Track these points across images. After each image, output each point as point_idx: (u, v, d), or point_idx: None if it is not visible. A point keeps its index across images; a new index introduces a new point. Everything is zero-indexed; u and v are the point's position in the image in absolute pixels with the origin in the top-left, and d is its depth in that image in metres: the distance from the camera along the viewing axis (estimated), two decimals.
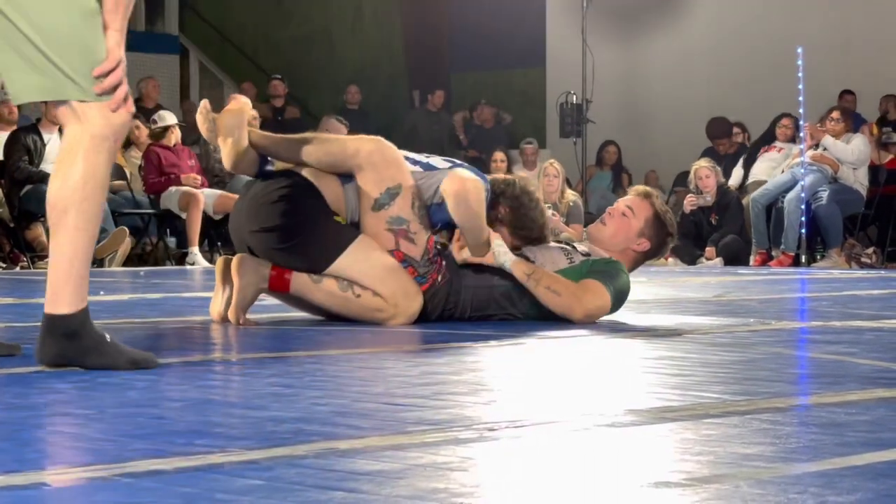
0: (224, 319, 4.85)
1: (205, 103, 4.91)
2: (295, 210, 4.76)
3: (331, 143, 4.88)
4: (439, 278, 4.91)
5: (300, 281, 4.82)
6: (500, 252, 4.87)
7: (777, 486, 1.93)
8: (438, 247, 4.97)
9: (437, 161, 5.03)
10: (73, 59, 3.18)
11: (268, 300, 5.17)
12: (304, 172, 4.85)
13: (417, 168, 4.92)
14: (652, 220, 5.09)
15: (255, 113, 4.87)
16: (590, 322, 4.84)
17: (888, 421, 2.59)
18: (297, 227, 4.76)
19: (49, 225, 3.27)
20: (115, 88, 3.22)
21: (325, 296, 4.84)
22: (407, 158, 4.94)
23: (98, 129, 3.21)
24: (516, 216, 5.08)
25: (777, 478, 2.00)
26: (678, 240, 11.57)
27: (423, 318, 4.91)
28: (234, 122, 4.75)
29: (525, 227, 5.10)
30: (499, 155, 13.71)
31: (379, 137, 4.92)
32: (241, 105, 4.81)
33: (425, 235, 4.84)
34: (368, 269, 4.79)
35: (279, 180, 4.84)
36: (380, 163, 4.77)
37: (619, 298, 4.92)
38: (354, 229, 4.84)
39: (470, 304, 4.99)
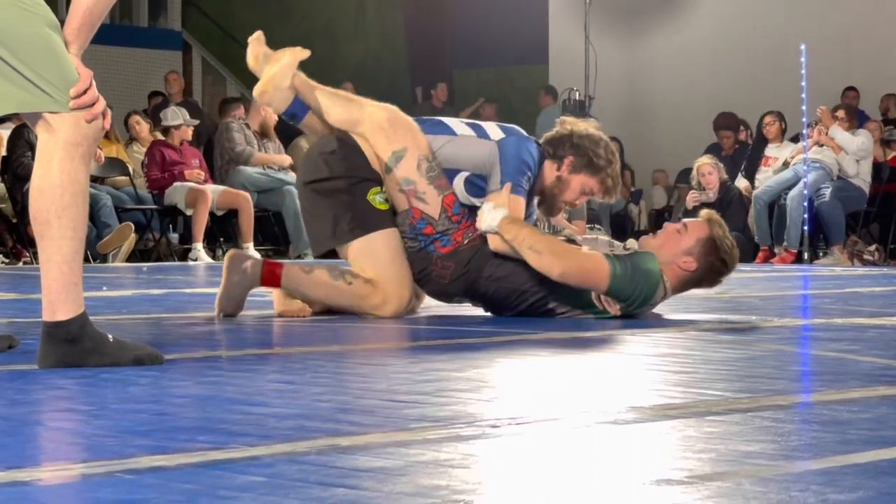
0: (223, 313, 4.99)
1: (259, 33, 5.19)
2: (338, 170, 5.01)
3: (351, 106, 5.06)
4: (464, 241, 4.98)
5: (291, 274, 4.97)
6: (487, 215, 4.85)
7: (779, 484, 1.93)
8: (466, 211, 5.01)
9: (490, 128, 5.14)
10: (47, 71, 3.21)
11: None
12: (354, 134, 5.07)
13: (471, 133, 5.08)
14: (704, 241, 4.95)
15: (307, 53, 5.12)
16: (569, 281, 4.82)
17: (890, 419, 2.58)
18: (334, 189, 4.99)
19: (34, 236, 3.29)
20: (91, 104, 3.25)
21: (316, 286, 4.98)
22: (464, 122, 5.20)
23: (70, 136, 3.23)
24: (584, 163, 5.08)
25: (779, 475, 2.00)
26: None
27: (450, 290, 5.04)
28: (288, 61, 5.04)
29: (597, 168, 5.08)
30: None
31: (393, 107, 5.11)
32: (299, 53, 5.08)
33: (438, 195, 4.97)
34: (377, 257, 4.96)
35: (333, 138, 5.08)
36: (388, 128, 4.99)
37: (629, 282, 4.81)
38: (386, 220, 5.00)
39: (483, 295, 5.01)
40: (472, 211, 5.00)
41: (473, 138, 5.06)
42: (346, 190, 5.00)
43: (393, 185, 4.98)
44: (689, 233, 4.97)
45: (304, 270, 5.00)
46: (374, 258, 4.97)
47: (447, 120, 5.24)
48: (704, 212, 5.13)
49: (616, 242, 5.13)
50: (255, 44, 5.13)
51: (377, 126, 4.98)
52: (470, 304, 5.20)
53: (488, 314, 5.14)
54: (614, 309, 4.89)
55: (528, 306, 4.99)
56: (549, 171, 5.12)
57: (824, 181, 12.07)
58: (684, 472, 2.02)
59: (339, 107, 5.05)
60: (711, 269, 5.00)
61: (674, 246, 4.95)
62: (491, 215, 4.84)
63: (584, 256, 4.83)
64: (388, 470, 2.02)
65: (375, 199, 5.02)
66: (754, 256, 12.27)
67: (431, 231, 4.97)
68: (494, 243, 4.87)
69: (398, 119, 5.04)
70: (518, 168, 4.95)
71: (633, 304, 4.89)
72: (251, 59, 5.14)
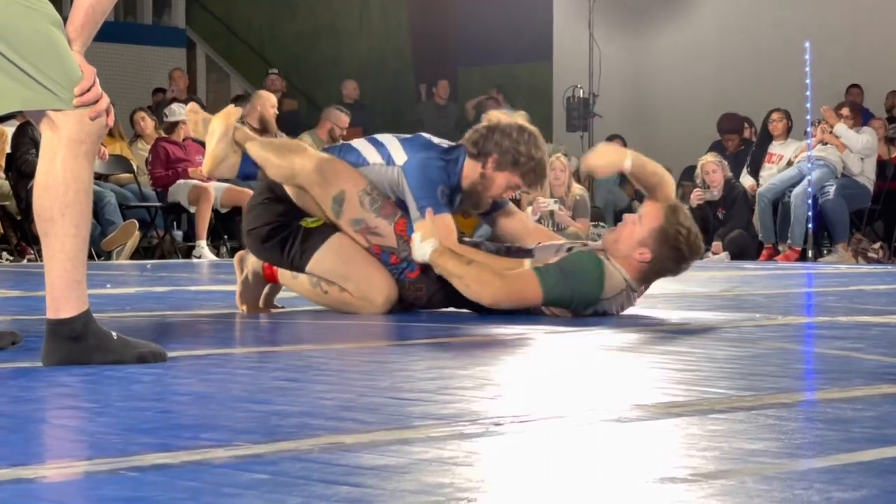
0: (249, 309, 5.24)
1: (193, 104, 5.38)
2: (269, 216, 5.11)
3: (283, 162, 5.03)
4: None
5: (284, 275, 5.17)
6: (417, 250, 4.87)
7: (782, 482, 1.93)
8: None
9: (395, 150, 5.12)
10: (50, 69, 3.21)
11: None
12: (294, 186, 5.12)
13: (380, 160, 5.10)
14: (656, 232, 4.84)
15: (244, 129, 5.19)
16: (508, 307, 4.84)
17: (894, 417, 2.58)
18: (272, 231, 5.10)
19: (38, 233, 3.29)
20: (94, 102, 3.25)
21: (302, 290, 5.17)
22: (371, 141, 5.20)
23: (73, 133, 3.23)
24: (507, 161, 5.08)
25: (782, 473, 2.00)
26: None
27: (431, 304, 5.12)
28: (222, 131, 5.09)
29: (520, 165, 5.09)
30: None
31: (319, 154, 5.11)
32: (230, 113, 5.17)
33: (389, 224, 5.02)
34: (333, 268, 5.06)
35: (263, 189, 5.21)
36: (318, 178, 4.99)
37: (565, 288, 4.80)
38: (326, 232, 5.08)
39: (466, 302, 5.02)
40: None
41: (383, 167, 5.08)
42: (280, 227, 5.09)
43: (346, 228, 5.04)
44: (643, 223, 4.88)
45: (292, 275, 5.14)
46: (332, 272, 5.06)
47: (357, 144, 5.23)
48: (663, 198, 5.04)
49: (572, 244, 5.11)
50: (191, 115, 5.29)
51: (309, 179, 4.98)
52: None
53: (491, 314, 5.14)
54: (565, 314, 4.87)
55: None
56: (473, 169, 5.13)
57: (829, 179, 12.06)
58: (688, 470, 2.02)
59: (272, 165, 5.03)
60: (667, 258, 4.88)
61: (629, 238, 4.87)
62: (421, 249, 4.86)
63: (510, 279, 4.82)
64: (392, 468, 2.02)
65: (308, 220, 5.11)
66: (758, 254, 12.26)
67: (397, 261, 5.04)
68: (438, 271, 4.90)
69: (325, 164, 5.01)
70: (428, 188, 5.00)
71: (579, 306, 4.85)
72: (192, 131, 5.33)
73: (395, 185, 5.06)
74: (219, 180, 12.21)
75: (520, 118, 5.27)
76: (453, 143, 5.25)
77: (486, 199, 5.22)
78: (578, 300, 4.85)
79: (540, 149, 5.16)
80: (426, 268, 4.97)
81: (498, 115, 5.28)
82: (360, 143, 5.21)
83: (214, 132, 5.12)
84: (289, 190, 5.09)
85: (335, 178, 4.99)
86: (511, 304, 4.87)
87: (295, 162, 4.99)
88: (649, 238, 4.85)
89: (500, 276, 4.82)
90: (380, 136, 5.25)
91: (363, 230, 5.01)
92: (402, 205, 5.06)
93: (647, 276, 4.96)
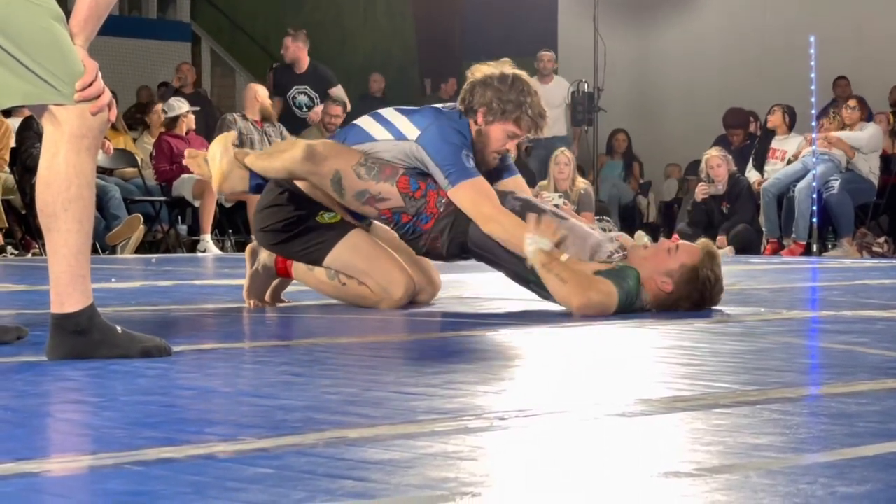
0: (256, 303, 5.26)
1: (189, 150, 5.45)
2: (283, 214, 5.11)
3: (277, 161, 5.03)
4: (440, 210, 4.98)
5: (298, 269, 5.19)
6: (528, 250, 4.80)
7: (787, 477, 1.93)
8: (424, 184, 4.98)
9: (403, 125, 5.07)
10: (52, 63, 3.21)
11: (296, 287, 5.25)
12: (297, 181, 5.11)
13: (389, 136, 5.05)
14: (687, 269, 4.87)
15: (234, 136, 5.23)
16: (585, 314, 4.82)
17: None
18: (286, 227, 5.10)
19: (42, 228, 3.30)
20: (96, 97, 3.26)
21: (318, 283, 5.20)
22: (375, 117, 5.15)
23: (75, 128, 3.23)
24: (495, 111, 5.04)
25: (787, 468, 2.00)
26: (689, 230, 11.52)
27: (451, 255, 5.04)
28: (221, 149, 5.13)
29: (509, 112, 5.03)
30: None
31: (305, 142, 5.11)
32: (225, 137, 5.23)
33: (391, 185, 4.97)
34: (352, 263, 5.09)
35: (274, 187, 5.18)
36: (311, 164, 4.95)
37: (626, 301, 4.81)
38: (343, 228, 5.10)
39: (481, 249, 4.98)
40: (429, 176, 5.00)
41: (392, 142, 5.03)
42: (296, 221, 5.09)
43: (354, 205, 5.01)
44: (678, 255, 4.90)
45: (308, 268, 5.16)
46: (351, 268, 5.09)
47: (361, 122, 5.19)
48: (702, 240, 5.09)
49: (606, 245, 5.04)
50: (190, 160, 5.30)
51: (302, 170, 4.95)
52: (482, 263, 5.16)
53: (497, 309, 5.14)
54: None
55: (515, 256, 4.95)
56: (471, 127, 5.10)
57: (833, 173, 12.05)
58: (692, 464, 2.02)
59: (271, 170, 5.04)
60: (687, 297, 4.92)
61: (658, 263, 4.88)
62: (532, 256, 4.78)
63: (598, 288, 4.77)
64: (397, 462, 2.02)
65: (324, 216, 5.10)
66: (763, 248, 12.26)
67: (409, 218, 5.00)
68: (540, 271, 4.81)
69: (313, 150, 4.98)
70: (451, 156, 4.95)
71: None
72: (195, 170, 5.34)
73: (411, 158, 5.00)
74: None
75: (505, 66, 5.22)
76: (455, 107, 5.19)
77: (489, 157, 5.12)
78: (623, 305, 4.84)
79: (527, 91, 5.07)
80: (438, 216, 4.95)
81: (480, 68, 5.23)
82: (364, 121, 5.18)
83: (215, 154, 5.14)
84: (300, 185, 5.08)
85: (325, 160, 4.95)
86: (594, 313, 4.78)
87: (285, 158, 4.97)
88: (678, 272, 4.88)
89: (594, 289, 4.77)
90: (383, 112, 5.22)
91: (369, 200, 4.97)
92: (415, 172, 5.01)
93: (662, 303, 4.95)
